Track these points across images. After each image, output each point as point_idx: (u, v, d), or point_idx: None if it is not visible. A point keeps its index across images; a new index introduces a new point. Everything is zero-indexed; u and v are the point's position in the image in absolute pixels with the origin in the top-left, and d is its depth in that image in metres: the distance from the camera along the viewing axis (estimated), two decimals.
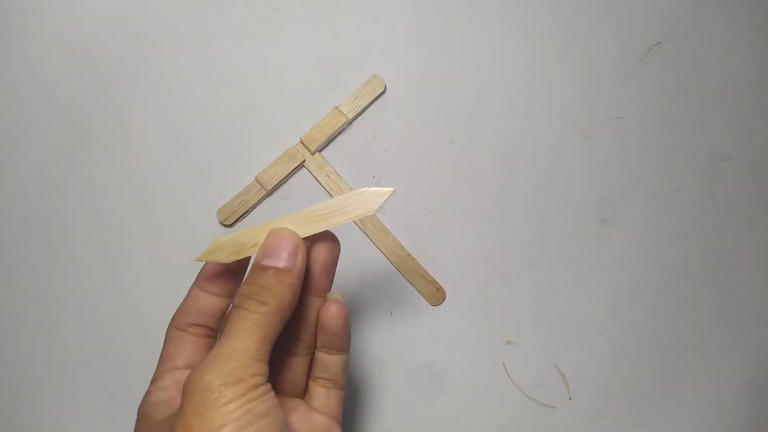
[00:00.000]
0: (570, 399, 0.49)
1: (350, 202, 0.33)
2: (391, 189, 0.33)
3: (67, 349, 0.48)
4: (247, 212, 0.49)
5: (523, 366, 0.49)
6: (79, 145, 0.50)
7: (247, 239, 0.33)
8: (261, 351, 0.30)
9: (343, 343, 0.36)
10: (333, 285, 0.36)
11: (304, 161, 0.49)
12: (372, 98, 0.50)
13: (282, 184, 0.49)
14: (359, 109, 0.49)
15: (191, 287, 0.36)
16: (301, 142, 0.49)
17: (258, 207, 0.49)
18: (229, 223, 0.48)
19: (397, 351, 0.48)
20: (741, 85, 0.52)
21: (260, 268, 0.32)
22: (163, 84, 0.50)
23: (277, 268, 0.32)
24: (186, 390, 0.29)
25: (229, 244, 0.33)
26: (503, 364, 0.49)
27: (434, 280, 0.49)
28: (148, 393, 0.35)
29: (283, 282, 0.31)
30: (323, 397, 0.36)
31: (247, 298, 0.31)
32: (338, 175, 0.49)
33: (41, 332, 0.48)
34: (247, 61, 0.50)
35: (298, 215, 0.33)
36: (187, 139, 0.50)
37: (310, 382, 0.37)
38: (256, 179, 0.48)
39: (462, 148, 0.50)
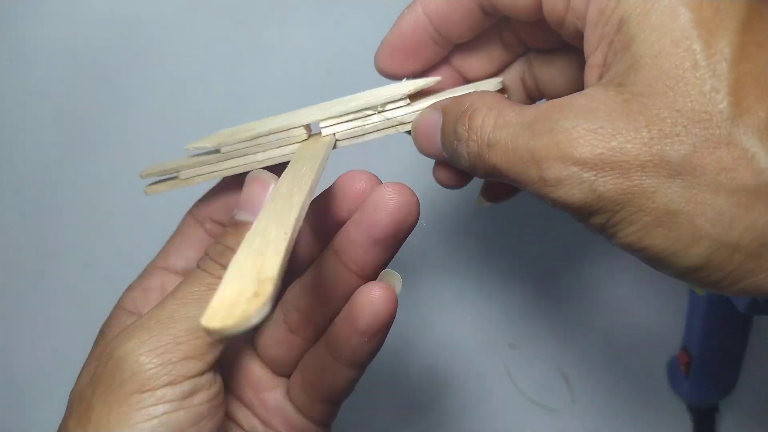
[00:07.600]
0: (573, 402, 0.48)
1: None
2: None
3: (63, 350, 0.48)
4: None
5: (526, 369, 0.48)
6: (74, 144, 0.49)
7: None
8: None
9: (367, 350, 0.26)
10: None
11: None
12: None
13: None
14: None
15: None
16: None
17: None
18: None
19: (397, 353, 0.48)
20: None
21: (232, 224, 0.25)
22: (160, 82, 0.49)
23: (249, 224, 0.23)
24: (102, 358, 0.22)
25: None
26: (506, 367, 0.48)
27: None
28: (123, 296, 0.28)
29: None
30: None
31: (209, 260, 0.24)
32: None
33: (36, 332, 0.48)
34: (246, 59, 0.50)
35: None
36: (183, 139, 0.49)
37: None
38: None
39: None
